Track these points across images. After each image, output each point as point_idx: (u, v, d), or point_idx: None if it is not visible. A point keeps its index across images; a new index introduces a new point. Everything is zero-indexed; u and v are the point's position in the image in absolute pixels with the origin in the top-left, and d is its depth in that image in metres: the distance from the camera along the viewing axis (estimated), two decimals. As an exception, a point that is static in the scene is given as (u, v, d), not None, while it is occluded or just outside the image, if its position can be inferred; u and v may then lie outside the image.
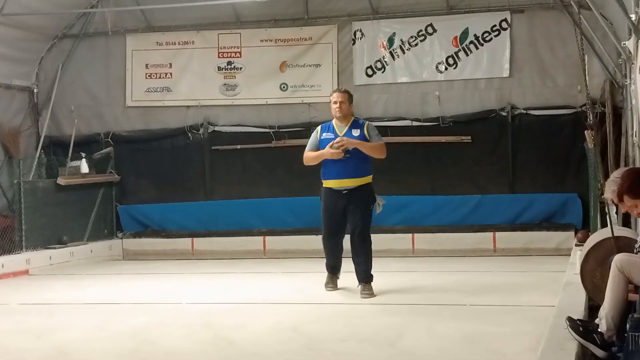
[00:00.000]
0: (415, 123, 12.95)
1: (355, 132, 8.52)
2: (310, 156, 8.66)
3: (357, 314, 7.70)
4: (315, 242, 12.42)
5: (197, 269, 11.71)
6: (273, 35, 13.44)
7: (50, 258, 12.04)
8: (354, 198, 8.46)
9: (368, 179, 8.58)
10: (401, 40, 12.97)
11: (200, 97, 13.67)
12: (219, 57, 13.63)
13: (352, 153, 8.39)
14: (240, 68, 13.56)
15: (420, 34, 12.91)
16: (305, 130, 12.90)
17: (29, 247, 11.94)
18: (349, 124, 8.60)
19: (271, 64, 13.43)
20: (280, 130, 13.20)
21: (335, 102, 8.57)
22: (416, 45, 12.92)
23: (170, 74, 13.77)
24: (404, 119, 12.99)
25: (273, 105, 13.38)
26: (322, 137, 8.61)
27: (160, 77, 13.80)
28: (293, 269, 11.14)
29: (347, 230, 8.72)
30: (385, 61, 13.06)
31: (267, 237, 12.88)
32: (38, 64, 13.91)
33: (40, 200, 12.35)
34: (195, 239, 13.16)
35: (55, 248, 12.29)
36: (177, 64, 13.76)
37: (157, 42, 13.80)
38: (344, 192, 8.47)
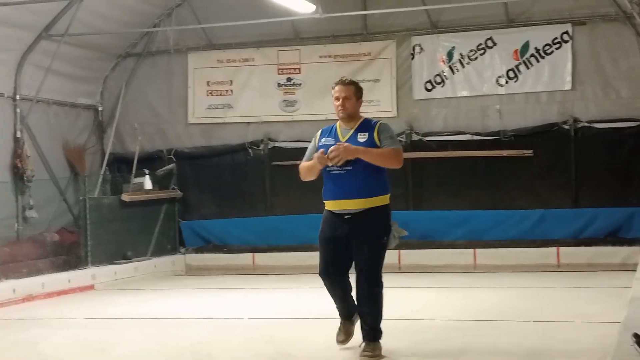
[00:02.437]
0: (475, 137, 12.87)
1: (362, 137, 6.38)
2: (303, 167, 6.66)
3: (420, 329, 7.66)
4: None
5: (258, 283, 11.78)
6: (332, 51, 13.50)
7: (115, 273, 12.24)
8: (359, 226, 6.27)
9: (382, 199, 6.35)
10: (460, 54, 12.92)
11: (261, 113, 13.79)
12: (278, 73, 13.75)
13: (355, 163, 6.26)
14: (300, 84, 13.65)
15: (480, 47, 12.84)
16: (365, 145, 12.92)
17: (95, 263, 12.15)
18: (356, 126, 6.50)
19: (330, 80, 13.34)
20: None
21: (337, 99, 6.56)
22: (476, 59, 12.85)
23: (231, 90, 13.93)
24: (464, 133, 12.92)
25: (333, 120, 13.31)
26: (320, 143, 6.55)
27: (221, 94, 13.97)
28: (352, 284, 11.10)
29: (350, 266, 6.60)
30: (445, 75, 13.02)
31: (327, 252, 12.86)
32: (102, 83, 14.20)
33: (105, 217, 12.57)
34: (256, 254, 13.26)
35: (120, 263, 12.50)
36: (238, 80, 13.91)
37: (218, 60, 13.98)
38: (347, 217, 6.29)
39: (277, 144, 13.79)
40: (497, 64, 12.81)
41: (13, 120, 12.17)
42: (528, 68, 12.66)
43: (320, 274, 6.48)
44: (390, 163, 6.30)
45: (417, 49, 13.13)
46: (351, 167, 6.26)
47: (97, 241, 12.28)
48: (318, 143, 6.57)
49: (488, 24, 12.81)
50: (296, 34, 13.64)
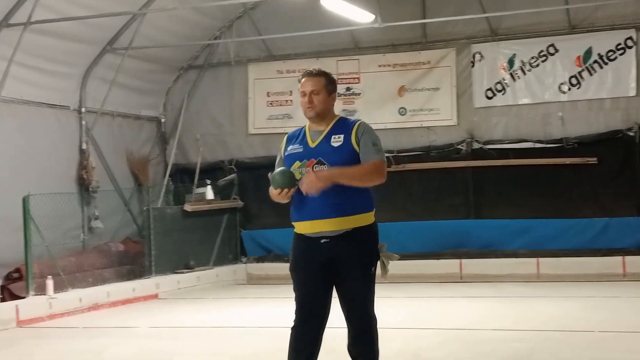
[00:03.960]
0: (537, 145, 12.71)
1: (336, 141, 4.99)
2: (271, 193, 5.21)
3: (482, 339, 7.59)
4: (437, 266, 12.43)
5: (319, 293, 11.79)
6: (391, 60, 13.50)
7: (178, 282, 12.40)
8: (341, 254, 4.93)
9: (365, 217, 4.98)
10: (522, 61, 12.80)
11: (320, 123, 13.82)
12: (337, 83, 13.71)
13: None
14: (359, 93, 13.68)
15: (541, 54, 12.71)
16: (424, 154, 12.90)
17: (158, 272, 12.32)
18: (329, 128, 5.09)
19: (389, 89, 13.48)
20: (400, 154, 13.15)
21: (303, 94, 5.22)
22: (537, 66, 12.72)
23: (291, 101, 14.03)
24: (526, 140, 12.78)
25: (392, 129, 13.38)
26: (287, 153, 5.17)
27: (281, 105, 14.08)
28: (413, 293, 11.09)
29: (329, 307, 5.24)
30: (506, 83, 12.91)
31: (387, 262, 12.84)
32: (165, 95, 14.44)
33: (168, 226, 12.75)
34: (315, 264, 13.26)
35: (182, 273, 12.65)
36: (297, 91, 13.96)
37: (277, 71, 14.10)
38: (323, 241, 4.94)
39: (336, 154, 13.77)
40: (559, 70, 12.65)
41: (79, 133, 12.47)
42: (591, 74, 12.48)
43: (294, 319, 5.13)
44: (371, 181, 4.90)
45: (477, 56, 13.05)
46: None
47: (161, 251, 12.46)
48: (284, 152, 5.19)
49: (549, 30, 12.66)
50: (355, 44, 13.67)
